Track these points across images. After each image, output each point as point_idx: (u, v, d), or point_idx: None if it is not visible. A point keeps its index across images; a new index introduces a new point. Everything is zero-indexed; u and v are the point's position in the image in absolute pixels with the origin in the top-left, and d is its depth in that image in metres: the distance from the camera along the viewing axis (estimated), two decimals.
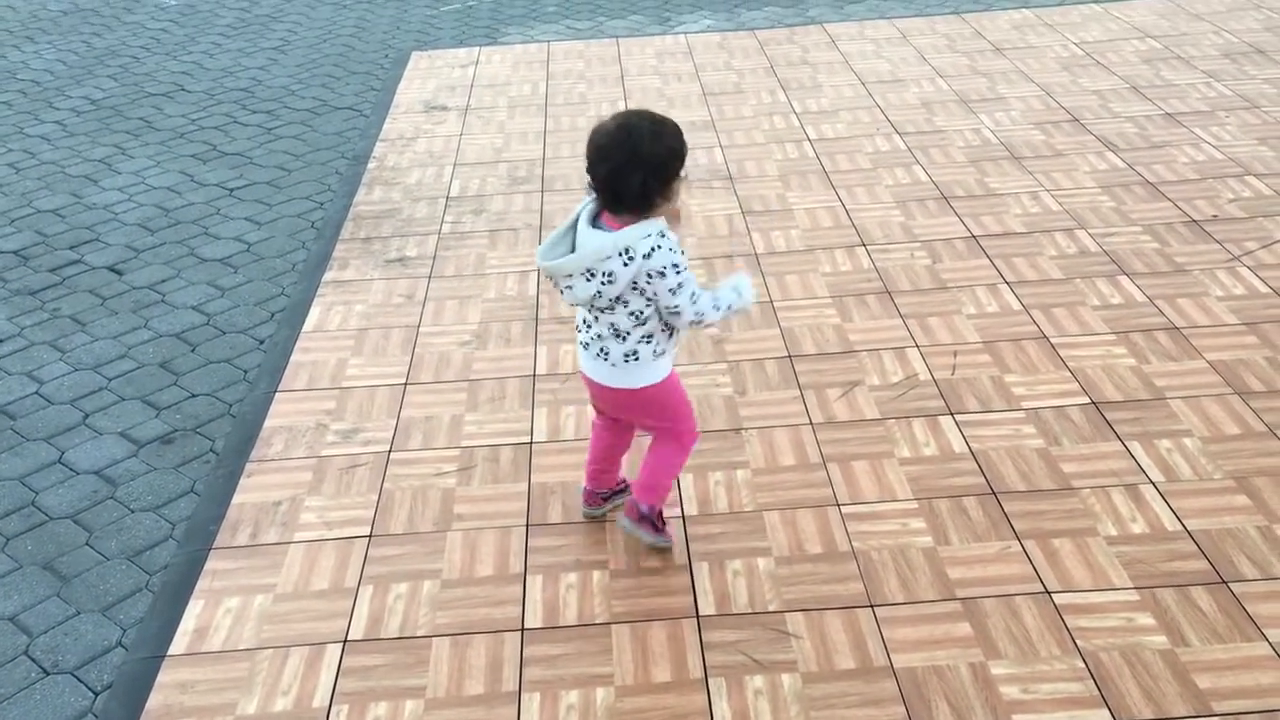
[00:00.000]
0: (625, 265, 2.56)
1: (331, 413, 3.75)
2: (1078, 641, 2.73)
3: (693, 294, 2.63)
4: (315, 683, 2.75)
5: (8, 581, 3.22)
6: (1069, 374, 3.71)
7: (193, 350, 4.27)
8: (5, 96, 7.11)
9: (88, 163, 6.04)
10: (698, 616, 2.87)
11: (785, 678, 2.68)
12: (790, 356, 3.90)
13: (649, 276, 2.58)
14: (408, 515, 3.28)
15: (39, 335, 4.42)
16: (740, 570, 3.00)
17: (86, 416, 3.93)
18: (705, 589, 2.95)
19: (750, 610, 2.88)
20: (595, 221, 2.63)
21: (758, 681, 2.68)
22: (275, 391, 3.88)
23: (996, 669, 2.67)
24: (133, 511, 3.47)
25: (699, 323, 2.69)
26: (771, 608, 2.88)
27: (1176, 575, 2.91)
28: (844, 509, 3.20)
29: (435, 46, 7.60)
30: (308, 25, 8.34)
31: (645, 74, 6.67)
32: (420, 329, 4.20)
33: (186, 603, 3.01)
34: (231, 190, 5.63)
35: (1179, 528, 3.06)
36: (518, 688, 2.70)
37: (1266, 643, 2.70)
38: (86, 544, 3.34)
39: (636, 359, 2.74)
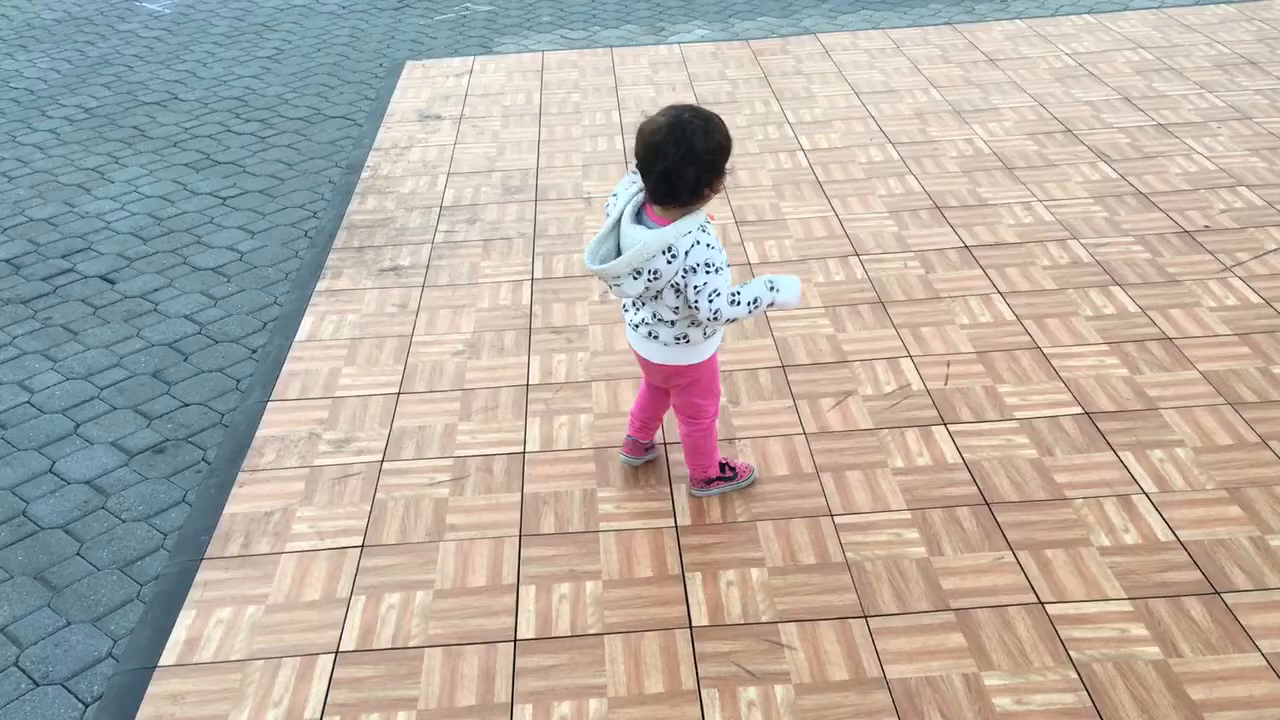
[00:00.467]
0: (669, 263, 2.71)
1: (324, 422, 3.74)
2: (1071, 652, 2.73)
3: (712, 293, 2.74)
4: (307, 694, 2.74)
5: None
6: (1062, 384, 3.72)
7: (185, 359, 4.26)
8: None
9: (80, 171, 6.03)
10: (691, 627, 2.86)
11: (778, 689, 2.68)
12: (783, 366, 3.90)
13: (684, 273, 2.73)
14: (400, 525, 3.27)
15: (30, 344, 4.41)
16: (734, 580, 3.00)
17: (78, 426, 3.91)
18: (698, 599, 2.94)
19: (743, 621, 2.87)
20: (639, 216, 2.78)
21: (751, 693, 2.67)
22: (267, 401, 3.87)
23: (990, 680, 2.67)
24: (124, 521, 3.45)
25: (716, 320, 2.79)
26: (765, 618, 2.88)
27: (1169, 586, 2.91)
28: (837, 519, 3.20)
29: (429, 56, 7.60)
30: (301, 34, 8.34)
31: (639, 84, 6.68)
32: (413, 338, 4.19)
33: (178, 613, 3.00)
34: (225, 199, 5.62)
35: (1172, 538, 3.06)
36: (510, 699, 2.70)
37: (1259, 654, 2.70)
38: (77, 554, 3.33)
39: (687, 341, 2.93)
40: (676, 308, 2.85)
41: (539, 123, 6.20)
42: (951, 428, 3.55)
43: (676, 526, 3.20)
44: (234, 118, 6.72)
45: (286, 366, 4.06)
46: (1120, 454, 3.39)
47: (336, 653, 2.85)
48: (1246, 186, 4.99)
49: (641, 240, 2.69)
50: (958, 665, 2.71)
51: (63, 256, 5.10)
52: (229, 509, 3.38)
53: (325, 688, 2.75)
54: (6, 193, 5.80)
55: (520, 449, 3.57)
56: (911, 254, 4.58)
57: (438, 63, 7.38)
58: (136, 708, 2.73)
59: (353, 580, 3.08)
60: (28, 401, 4.06)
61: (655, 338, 2.95)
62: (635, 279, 2.74)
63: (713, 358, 3.05)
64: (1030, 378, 3.76)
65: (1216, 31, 7.03)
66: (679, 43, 7.51)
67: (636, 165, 2.72)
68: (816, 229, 4.83)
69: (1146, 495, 3.22)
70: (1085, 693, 2.62)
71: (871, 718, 2.60)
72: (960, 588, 2.94)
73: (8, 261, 5.07)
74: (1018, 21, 7.50)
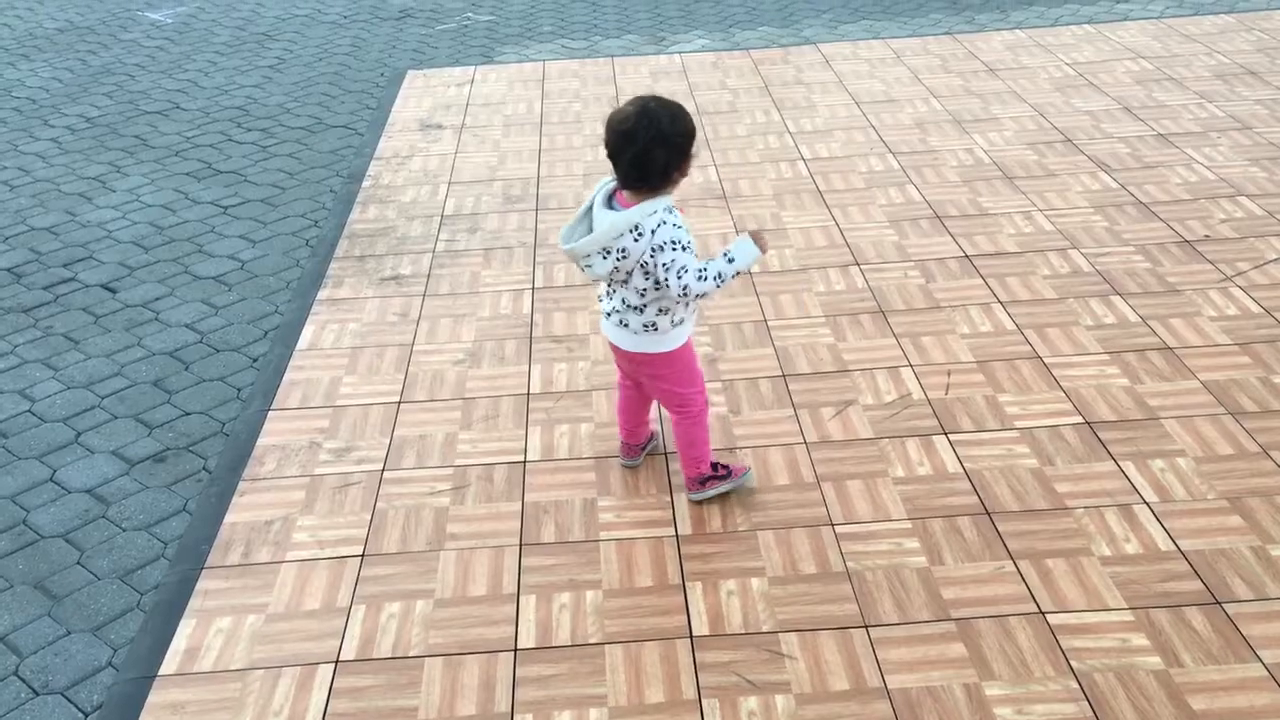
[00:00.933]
0: (636, 241, 2.81)
1: (325, 431, 3.74)
2: (1072, 662, 2.73)
3: (680, 269, 2.82)
4: (307, 703, 2.73)
5: None
6: (1062, 394, 3.72)
7: (186, 368, 4.27)
8: (0, 114, 7.11)
9: (82, 180, 6.04)
10: (691, 637, 2.86)
11: (779, 699, 2.67)
12: (784, 376, 3.90)
13: (652, 251, 2.82)
14: (400, 534, 3.27)
15: (31, 353, 4.42)
16: (734, 590, 3.00)
17: (78, 435, 3.92)
18: (699, 609, 2.94)
19: (744, 631, 2.87)
20: (610, 203, 2.90)
21: (751, 703, 2.67)
22: (268, 410, 3.87)
23: (991, 690, 2.67)
24: (124, 530, 3.45)
25: (685, 296, 2.87)
26: (765, 628, 2.87)
27: (1170, 596, 2.91)
28: (838, 529, 3.19)
29: (431, 65, 7.62)
30: (303, 44, 8.36)
31: (640, 93, 6.67)
32: (414, 347, 4.19)
33: (178, 622, 3.00)
34: (226, 208, 5.63)
35: (1173, 548, 3.06)
36: (510, 708, 2.69)
37: (1260, 664, 2.70)
38: (78, 563, 3.33)
39: (655, 329, 3.00)
40: (644, 290, 2.91)
41: (540, 132, 6.21)
42: (952, 437, 3.55)
43: (677, 536, 3.20)
44: (235, 127, 6.73)
45: (287, 375, 4.07)
46: (1121, 463, 3.39)
47: (337, 662, 2.85)
48: (1246, 196, 5.00)
49: (610, 220, 2.82)
50: (959, 675, 2.71)
51: (64, 265, 5.11)
52: (229, 518, 3.38)
53: (325, 697, 2.75)
54: (8, 202, 5.80)
55: (521, 458, 3.57)
56: (912, 263, 4.59)
57: (439, 72, 7.40)
58: (136, 717, 2.73)
59: (353, 589, 3.07)
60: (29, 410, 4.06)
61: (626, 325, 3.02)
62: (604, 258, 2.85)
63: (684, 347, 3.09)
64: (1031, 387, 3.76)
65: (1216, 41, 7.04)
66: (680, 52, 7.53)
67: (608, 153, 2.86)
68: (817, 238, 4.84)
69: (1147, 505, 3.22)
70: (1086, 703, 2.62)
71: None
72: (961, 597, 2.94)
73: (9, 270, 5.08)
74: (1018, 31, 7.51)
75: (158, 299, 4.78)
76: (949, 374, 3.86)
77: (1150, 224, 4.80)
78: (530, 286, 4.57)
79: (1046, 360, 3.90)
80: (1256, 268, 4.42)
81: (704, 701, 2.68)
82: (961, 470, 3.40)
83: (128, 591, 3.21)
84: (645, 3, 8.92)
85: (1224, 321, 4.07)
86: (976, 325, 4.13)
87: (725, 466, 3.33)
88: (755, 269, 4.58)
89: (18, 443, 3.89)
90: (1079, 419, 3.59)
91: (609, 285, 3.02)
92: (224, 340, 4.44)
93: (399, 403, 3.87)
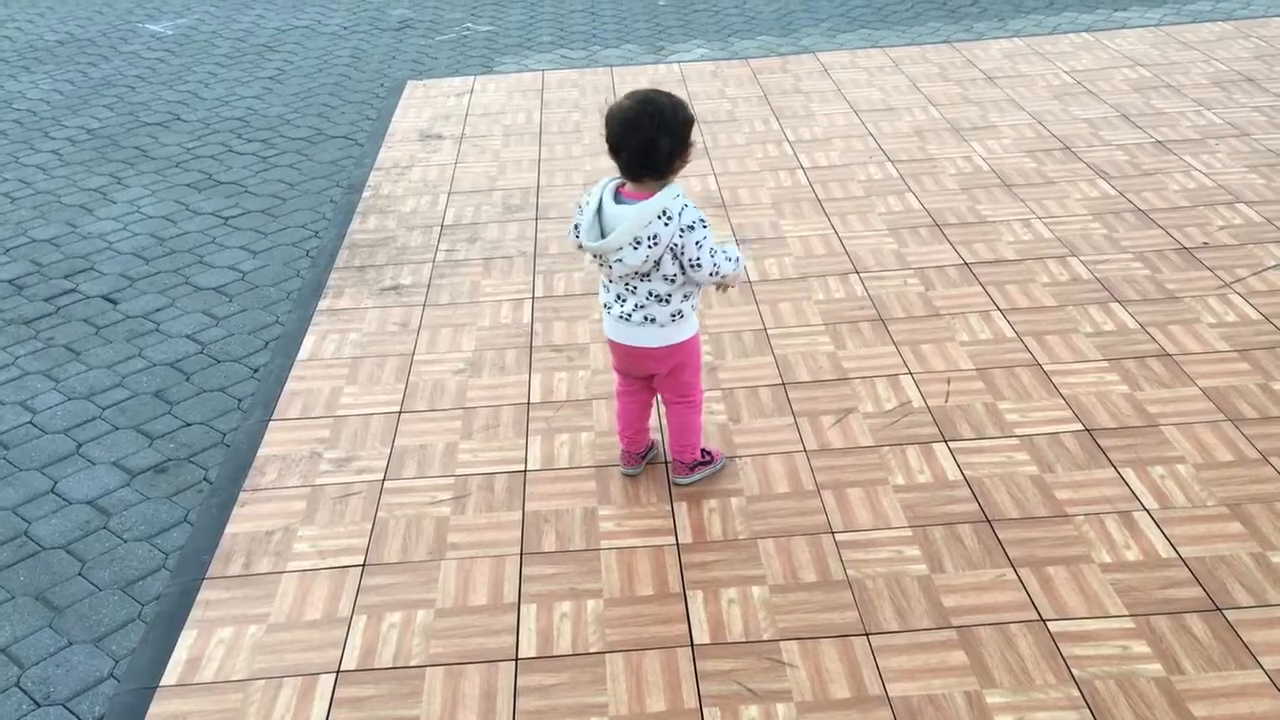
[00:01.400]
0: (666, 225, 2.87)
1: (325, 441, 3.75)
2: (1073, 670, 2.73)
3: (712, 248, 2.95)
4: (308, 714, 2.73)
5: (0, 612, 3.21)
6: (1062, 401, 3.72)
7: (187, 379, 4.27)
8: (1, 126, 7.13)
9: (83, 192, 6.05)
10: (692, 645, 2.86)
11: (780, 707, 2.67)
12: (784, 384, 3.91)
13: (681, 232, 2.89)
14: (401, 544, 3.27)
15: (33, 364, 4.42)
16: (735, 598, 3.00)
17: (80, 446, 3.92)
18: (700, 617, 2.94)
19: (745, 639, 2.87)
20: (617, 199, 2.95)
21: (752, 711, 2.67)
22: (269, 420, 3.88)
23: (992, 698, 2.67)
24: (125, 541, 3.46)
25: (715, 274, 2.99)
26: (766, 636, 2.87)
27: (1171, 603, 2.91)
28: (838, 536, 3.20)
29: (430, 76, 7.64)
30: (303, 55, 8.38)
31: None
32: (414, 357, 4.20)
33: (179, 633, 3.00)
34: (227, 219, 5.64)
35: (1173, 555, 3.06)
36: (511, 718, 2.69)
37: (1261, 670, 2.69)
38: (79, 574, 3.33)
39: (682, 316, 3.08)
40: (673, 276, 2.97)
41: (539, 142, 6.22)
42: (952, 445, 3.55)
43: (678, 544, 3.20)
44: (236, 138, 6.75)
45: (288, 386, 4.07)
46: (1121, 470, 3.39)
47: (338, 672, 2.85)
48: (1245, 203, 5.01)
49: (636, 209, 2.86)
50: (960, 683, 2.71)
51: (65, 277, 5.12)
52: (230, 528, 3.38)
53: (326, 708, 2.75)
54: (9, 213, 5.82)
55: (521, 467, 3.57)
56: (911, 271, 4.59)
57: (438, 82, 7.42)
58: None
59: (354, 599, 3.08)
60: (30, 421, 4.07)
61: (652, 321, 3.06)
62: (635, 249, 2.88)
63: (698, 331, 3.21)
64: (1030, 394, 3.77)
65: (1214, 49, 7.06)
66: (679, 62, 7.55)
67: (610, 145, 2.91)
68: (816, 247, 4.85)
69: (1147, 512, 3.22)
70: (1087, 710, 2.62)
71: None
72: (962, 605, 2.94)
73: (10, 282, 5.09)
74: (1016, 40, 7.53)
75: (159, 310, 4.79)
76: (949, 382, 3.87)
77: (1149, 231, 4.81)
78: (530, 296, 4.58)
79: (1046, 367, 3.90)
80: (1255, 274, 4.42)
81: (705, 710, 2.68)
82: (962, 478, 3.40)
83: (129, 602, 3.21)
84: (644, 12, 8.95)
85: (1223, 328, 4.08)
86: (976, 333, 4.13)
87: (709, 453, 3.46)
88: (755, 276, 4.59)
89: (19, 454, 3.89)
90: (1079, 426, 3.60)
91: (626, 286, 3.02)
92: (225, 351, 4.45)
93: (399, 412, 3.88)
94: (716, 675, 2.77)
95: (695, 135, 2.94)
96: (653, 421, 3.52)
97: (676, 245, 2.91)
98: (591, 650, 2.87)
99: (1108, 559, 3.06)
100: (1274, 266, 4.47)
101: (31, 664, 3.02)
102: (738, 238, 4.67)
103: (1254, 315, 4.14)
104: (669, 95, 2.94)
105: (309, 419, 3.87)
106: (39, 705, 2.89)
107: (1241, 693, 2.64)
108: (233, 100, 7.44)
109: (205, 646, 2.95)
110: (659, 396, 3.46)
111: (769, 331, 4.22)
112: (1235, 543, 3.09)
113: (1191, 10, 8.09)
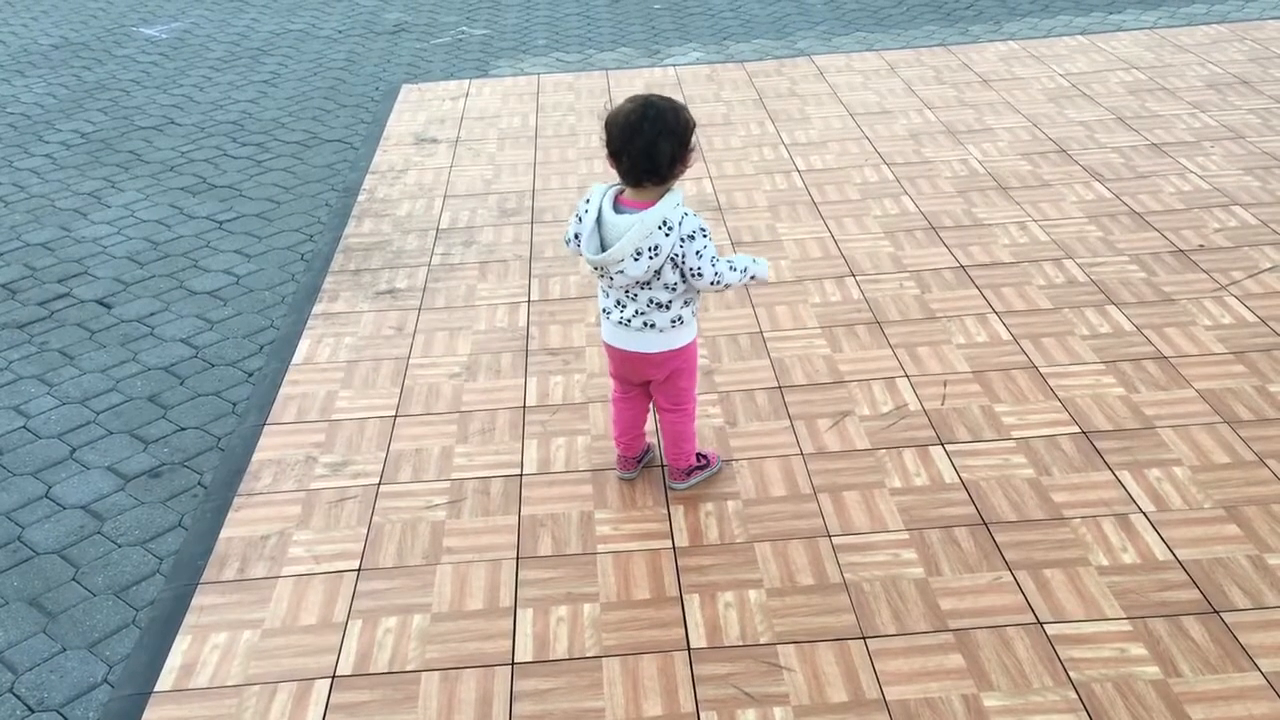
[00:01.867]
0: (666, 235, 2.86)
1: (320, 445, 3.74)
2: (1070, 673, 2.72)
3: (713, 258, 2.95)
4: (303, 719, 2.72)
5: None
6: (1058, 403, 3.72)
7: (181, 383, 4.26)
8: None
9: (77, 196, 6.04)
10: (689, 649, 2.85)
11: (777, 711, 2.67)
12: (780, 387, 3.90)
13: (682, 242, 2.88)
14: (397, 548, 3.26)
15: (26, 369, 4.41)
16: (731, 602, 2.99)
17: (74, 450, 3.91)
18: (696, 621, 2.93)
19: (742, 643, 2.86)
20: (616, 208, 2.94)
21: (750, 715, 2.66)
22: (264, 424, 3.87)
23: (989, 700, 2.66)
24: (120, 546, 3.44)
25: (717, 284, 2.98)
26: (763, 640, 2.87)
27: (1168, 605, 2.90)
28: (835, 540, 3.19)
29: (425, 79, 7.63)
30: (298, 59, 8.37)
31: None
32: (410, 361, 4.19)
33: (173, 638, 2.99)
34: (221, 223, 5.63)
35: (1170, 557, 3.06)
36: None
37: (1259, 673, 2.69)
38: (73, 579, 3.32)
39: (681, 322, 3.07)
40: (674, 284, 2.96)
41: (535, 145, 6.22)
42: (949, 447, 3.55)
43: (674, 548, 3.19)
44: (230, 142, 6.74)
45: (283, 390, 4.06)
46: (1118, 473, 3.39)
47: (333, 677, 2.84)
48: (1240, 205, 5.01)
49: (638, 220, 2.84)
50: (957, 686, 2.70)
51: (59, 281, 5.11)
52: (225, 533, 3.37)
53: (322, 713, 2.74)
54: (3, 218, 5.80)
55: (517, 471, 3.56)
56: (907, 274, 4.59)
57: (434, 86, 7.41)
58: None
59: (349, 604, 3.07)
60: (23, 426, 4.06)
61: (652, 326, 3.04)
62: (636, 260, 2.87)
63: (696, 336, 3.21)
64: (1027, 397, 3.76)
65: (1209, 51, 7.07)
66: (674, 65, 7.55)
67: (611, 150, 2.88)
68: (812, 250, 4.84)
69: (1144, 514, 3.22)
70: (1085, 713, 2.61)
71: None
72: (959, 608, 2.93)
73: (4, 286, 5.07)
74: (1011, 42, 7.54)
75: (153, 314, 4.78)
76: (945, 384, 3.86)
77: (1144, 234, 4.81)
78: (526, 299, 4.57)
79: (1042, 370, 3.90)
80: (1251, 276, 4.42)
81: (702, 714, 2.67)
82: (958, 480, 3.40)
83: (123, 608, 3.20)
84: (639, 16, 8.95)
85: (1219, 330, 4.08)
86: (972, 335, 4.13)
87: (704, 456, 3.46)
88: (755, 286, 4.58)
89: (12, 459, 3.88)
90: (1075, 429, 3.59)
91: (626, 293, 3.01)
92: (219, 355, 4.44)
93: (395, 416, 3.87)
94: (713, 679, 2.76)
95: (695, 138, 2.94)
96: (648, 425, 3.51)
97: (677, 255, 2.90)
98: (588, 655, 2.86)
99: (1105, 562, 3.05)
100: (1270, 269, 4.47)
101: (25, 670, 3.01)
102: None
103: (1250, 318, 4.14)
104: (669, 99, 2.94)
105: (304, 423, 3.86)
106: (33, 711, 2.88)
107: (1239, 695, 2.64)
108: (227, 104, 7.43)
109: (200, 652, 2.94)
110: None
111: (765, 334, 4.21)
112: (1232, 545, 3.09)
113: (1186, 13, 8.10)
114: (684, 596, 3.02)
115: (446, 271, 4.86)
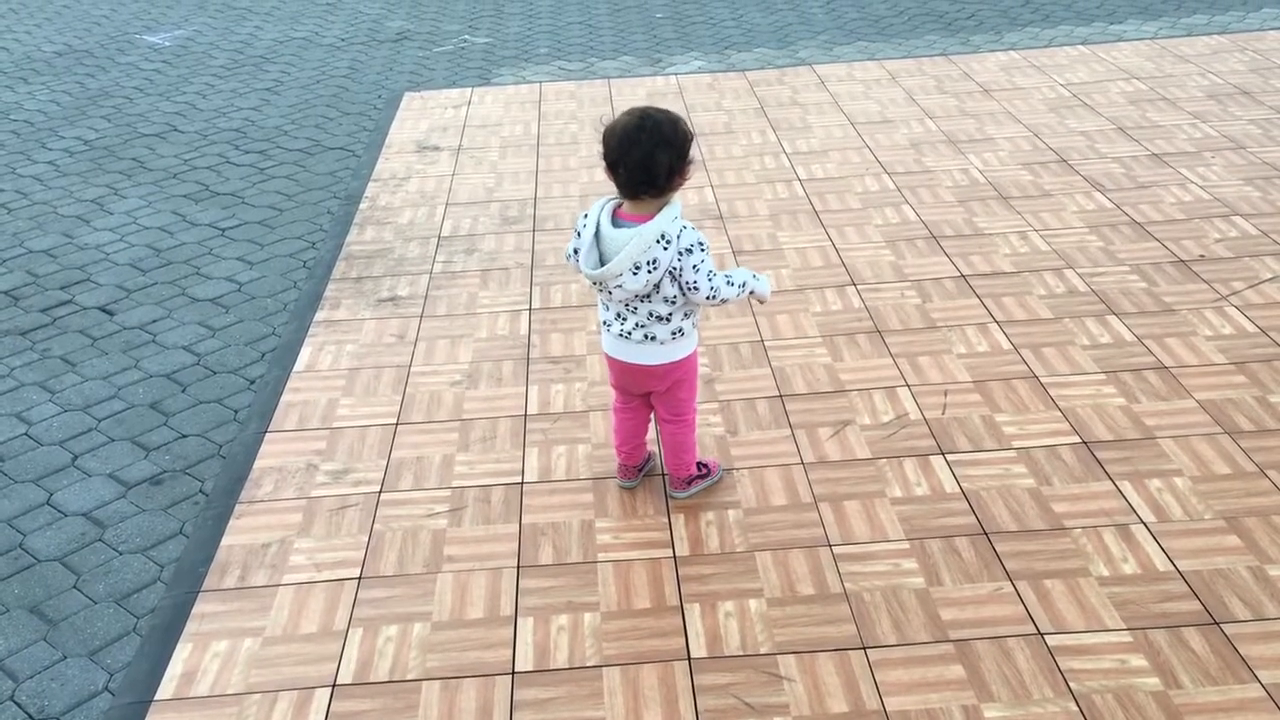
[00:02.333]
0: (665, 249, 2.86)
1: (322, 453, 3.74)
2: (1070, 683, 2.72)
3: (710, 272, 2.94)
4: None
5: None
6: (1059, 413, 3.72)
7: (183, 390, 4.27)
8: None
9: (80, 203, 6.05)
10: (689, 659, 2.85)
11: None
12: (781, 396, 3.90)
13: (680, 255, 2.88)
14: (398, 557, 3.26)
15: (28, 376, 4.41)
16: (732, 611, 2.99)
17: (75, 458, 3.91)
18: (697, 630, 2.93)
19: (742, 652, 2.86)
20: (615, 222, 2.94)
21: None
22: (265, 432, 3.87)
23: (989, 712, 2.66)
24: (121, 554, 3.44)
25: (713, 299, 2.97)
26: (763, 650, 2.87)
27: (1168, 616, 2.90)
28: (836, 549, 3.19)
29: (428, 87, 7.65)
30: (300, 66, 8.39)
31: None
32: (411, 369, 4.19)
33: (174, 646, 2.99)
34: (223, 230, 5.64)
35: (1170, 568, 3.06)
36: None
37: (1259, 684, 2.69)
38: (74, 587, 3.32)
39: (682, 334, 3.08)
40: (673, 298, 2.96)
41: (536, 153, 6.23)
42: (949, 457, 3.55)
43: (675, 557, 3.19)
44: (233, 149, 6.75)
45: (284, 397, 4.06)
46: (1118, 483, 3.39)
47: (334, 686, 2.84)
48: (1241, 216, 5.02)
49: (636, 234, 2.84)
50: (957, 697, 2.70)
51: (61, 288, 5.11)
52: (226, 541, 3.37)
53: None
54: (6, 224, 5.81)
55: (518, 479, 3.56)
56: (908, 283, 4.60)
57: (436, 94, 7.42)
58: None
59: (350, 612, 3.07)
60: (25, 433, 4.06)
61: (652, 339, 3.05)
62: (635, 274, 2.87)
63: (696, 348, 3.21)
64: (1028, 407, 3.77)
65: (1209, 62, 7.08)
66: (676, 74, 7.56)
67: (609, 163, 2.90)
68: (813, 259, 4.85)
69: (1145, 525, 3.22)
70: None
71: None
72: (959, 618, 2.93)
73: (6, 293, 5.08)
74: (1012, 52, 7.55)
75: (155, 321, 4.78)
76: (946, 394, 3.87)
77: (1145, 244, 4.81)
78: (527, 307, 4.58)
79: (1043, 380, 3.90)
80: (1251, 287, 4.43)
81: None
82: (959, 490, 3.40)
83: (124, 615, 3.20)
84: (641, 24, 8.97)
85: (1220, 341, 4.08)
86: (973, 345, 4.14)
87: (705, 465, 3.46)
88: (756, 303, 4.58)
89: (14, 466, 3.88)
90: (1076, 439, 3.60)
91: (626, 306, 3.01)
92: (221, 362, 4.44)
93: (396, 424, 3.87)
94: (714, 689, 2.76)
95: (694, 150, 2.94)
96: (649, 434, 3.51)
97: (675, 268, 2.90)
98: (589, 664, 2.86)
99: (1105, 572, 3.05)
100: (1270, 279, 4.48)
101: (26, 677, 3.01)
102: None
103: (1250, 328, 4.15)
104: (667, 111, 2.94)
105: (305, 431, 3.87)
106: (34, 719, 2.88)
107: (1239, 707, 2.64)
108: (230, 111, 7.45)
109: (201, 660, 2.94)
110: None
111: (766, 343, 4.22)
112: (1233, 556, 3.09)
113: (1187, 24, 8.12)
114: (684, 606, 3.02)
115: (448, 279, 4.87)
